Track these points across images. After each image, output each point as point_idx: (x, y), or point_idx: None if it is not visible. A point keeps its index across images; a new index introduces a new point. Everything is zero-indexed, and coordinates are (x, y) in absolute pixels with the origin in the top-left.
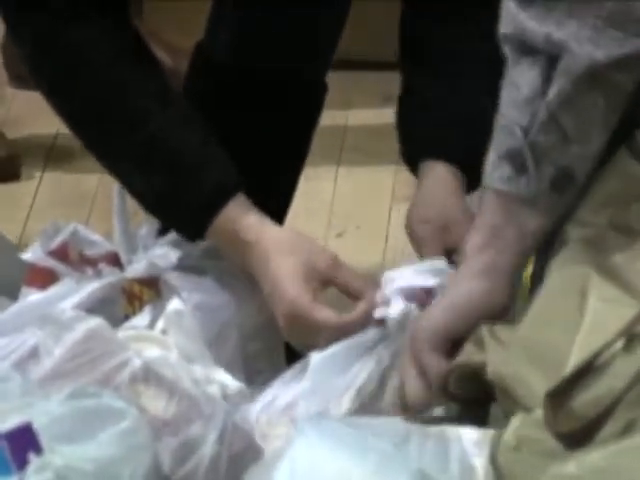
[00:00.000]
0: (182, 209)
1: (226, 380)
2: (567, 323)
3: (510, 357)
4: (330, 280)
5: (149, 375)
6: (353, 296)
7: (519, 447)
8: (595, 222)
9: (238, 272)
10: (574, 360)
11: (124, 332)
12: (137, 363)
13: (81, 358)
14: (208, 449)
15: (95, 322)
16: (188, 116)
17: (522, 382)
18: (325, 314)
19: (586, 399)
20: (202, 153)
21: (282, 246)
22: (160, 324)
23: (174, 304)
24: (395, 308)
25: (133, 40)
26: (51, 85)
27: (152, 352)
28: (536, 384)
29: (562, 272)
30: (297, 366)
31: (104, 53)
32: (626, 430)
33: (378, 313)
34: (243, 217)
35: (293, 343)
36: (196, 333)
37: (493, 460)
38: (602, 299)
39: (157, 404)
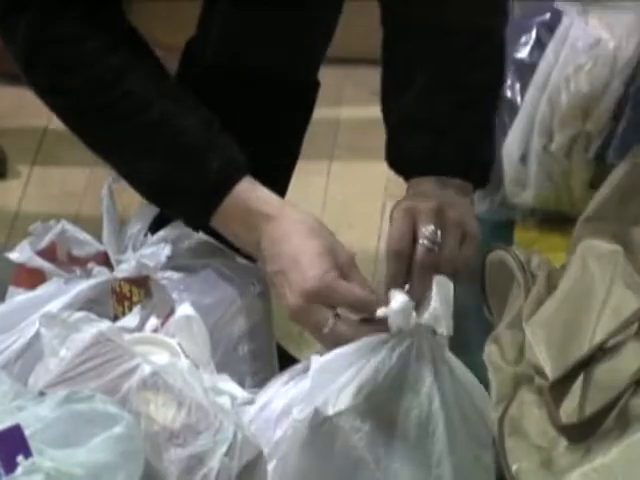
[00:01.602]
0: (190, 192)
1: (235, 390)
2: (596, 304)
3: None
4: (345, 277)
5: (158, 383)
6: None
7: None
8: (618, 218)
9: (229, 272)
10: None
11: (129, 335)
12: (147, 370)
13: (90, 363)
14: (216, 462)
15: (104, 325)
16: (190, 101)
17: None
18: (353, 286)
19: (596, 387)
20: (207, 135)
21: (305, 227)
22: (149, 325)
23: (184, 309)
24: (397, 301)
25: (128, 32)
26: (46, 81)
27: (161, 358)
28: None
29: (593, 255)
30: (295, 368)
31: (99, 45)
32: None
33: (380, 312)
34: (257, 193)
35: (301, 325)
36: (206, 340)
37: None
38: (627, 285)
39: (166, 413)
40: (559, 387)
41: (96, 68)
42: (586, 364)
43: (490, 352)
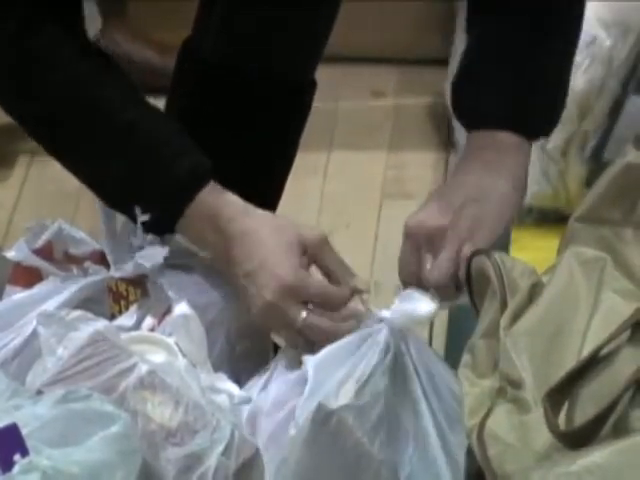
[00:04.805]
0: (155, 197)
1: (232, 389)
2: (582, 311)
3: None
4: (316, 257)
5: (156, 382)
6: (334, 280)
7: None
8: (610, 218)
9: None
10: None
11: (126, 334)
12: (144, 369)
13: (87, 362)
14: (214, 461)
15: (101, 324)
16: (156, 109)
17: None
18: (318, 281)
19: (588, 396)
20: (174, 141)
21: (268, 223)
22: (146, 324)
23: (181, 308)
24: (425, 307)
25: (90, 44)
26: (12, 86)
27: (158, 357)
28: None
29: (578, 262)
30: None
31: (69, 54)
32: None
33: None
34: (222, 199)
35: (267, 328)
36: (202, 339)
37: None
38: (615, 291)
39: (163, 412)
40: (556, 395)
41: (64, 75)
42: (582, 371)
43: (465, 363)
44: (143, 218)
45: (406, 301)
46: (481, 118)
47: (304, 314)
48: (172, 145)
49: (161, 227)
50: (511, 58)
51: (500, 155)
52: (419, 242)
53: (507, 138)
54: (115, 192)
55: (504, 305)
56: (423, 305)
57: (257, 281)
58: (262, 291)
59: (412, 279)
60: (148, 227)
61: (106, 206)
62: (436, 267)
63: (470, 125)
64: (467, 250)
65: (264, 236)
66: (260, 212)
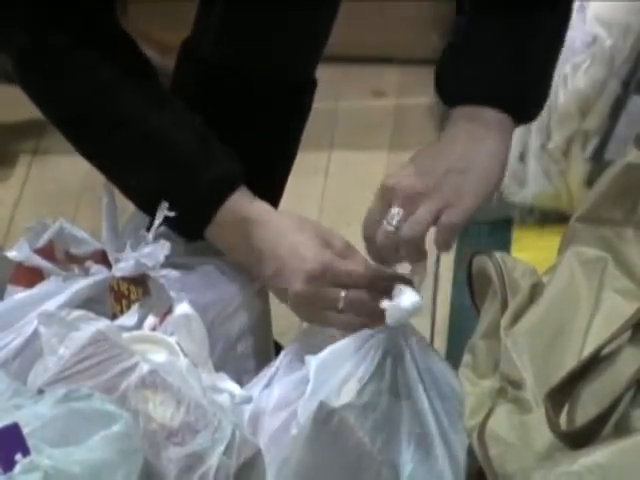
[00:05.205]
0: (183, 205)
1: (234, 389)
2: (583, 311)
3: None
4: (345, 259)
5: (157, 381)
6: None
7: None
8: (611, 218)
9: (227, 269)
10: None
11: (128, 333)
12: (145, 368)
13: (88, 361)
14: (215, 460)
15: (103, 324)
16: (184, 115)
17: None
18: (353, 262)
19: (589, 396)
20: (200, 148)
21: (296, 224)
22: (148, 323)
23: (182, 307)
24: (408, 299)
25: (122, 43)
26: (38, 92)
27: (159, 356)
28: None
29: (579, 262)
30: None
31: (94, 56)
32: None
33: (385, 305)
34: (251, 204)
35: (307, 319)
36: (204, 338)
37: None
38: (616, 290)
39: (164, 412)
40: (557, 395)
41: (85, 84)
42: (583, 371)
43: (465, 364)
44: (167, 213)
45: (397, 296)
46: (467, 94)
47: (343, 292)
48: (198, 153)
49: (190, 232)
50: (499, 38)
51: (485, 129)
52: (392, 202)
53: (491, 114)
54: (141, 197)
55: (505, 305)
56: (410, 296)
57: (287, 274)
58: (294, 282)
59: (380, 235)
60: (178, 230)
61: (138, 209)
62: (409, 222)
63: (455, 100)
64: (445, 219)
65: (289, 233)
66: (287, 214)
